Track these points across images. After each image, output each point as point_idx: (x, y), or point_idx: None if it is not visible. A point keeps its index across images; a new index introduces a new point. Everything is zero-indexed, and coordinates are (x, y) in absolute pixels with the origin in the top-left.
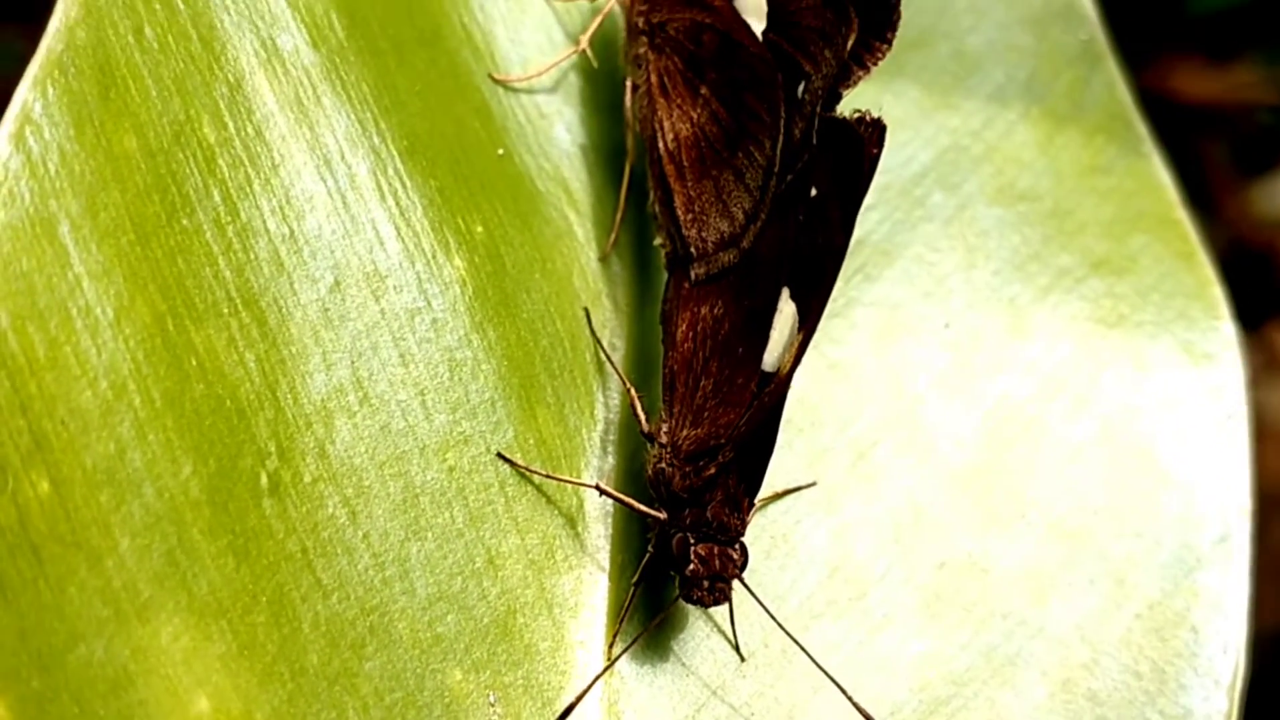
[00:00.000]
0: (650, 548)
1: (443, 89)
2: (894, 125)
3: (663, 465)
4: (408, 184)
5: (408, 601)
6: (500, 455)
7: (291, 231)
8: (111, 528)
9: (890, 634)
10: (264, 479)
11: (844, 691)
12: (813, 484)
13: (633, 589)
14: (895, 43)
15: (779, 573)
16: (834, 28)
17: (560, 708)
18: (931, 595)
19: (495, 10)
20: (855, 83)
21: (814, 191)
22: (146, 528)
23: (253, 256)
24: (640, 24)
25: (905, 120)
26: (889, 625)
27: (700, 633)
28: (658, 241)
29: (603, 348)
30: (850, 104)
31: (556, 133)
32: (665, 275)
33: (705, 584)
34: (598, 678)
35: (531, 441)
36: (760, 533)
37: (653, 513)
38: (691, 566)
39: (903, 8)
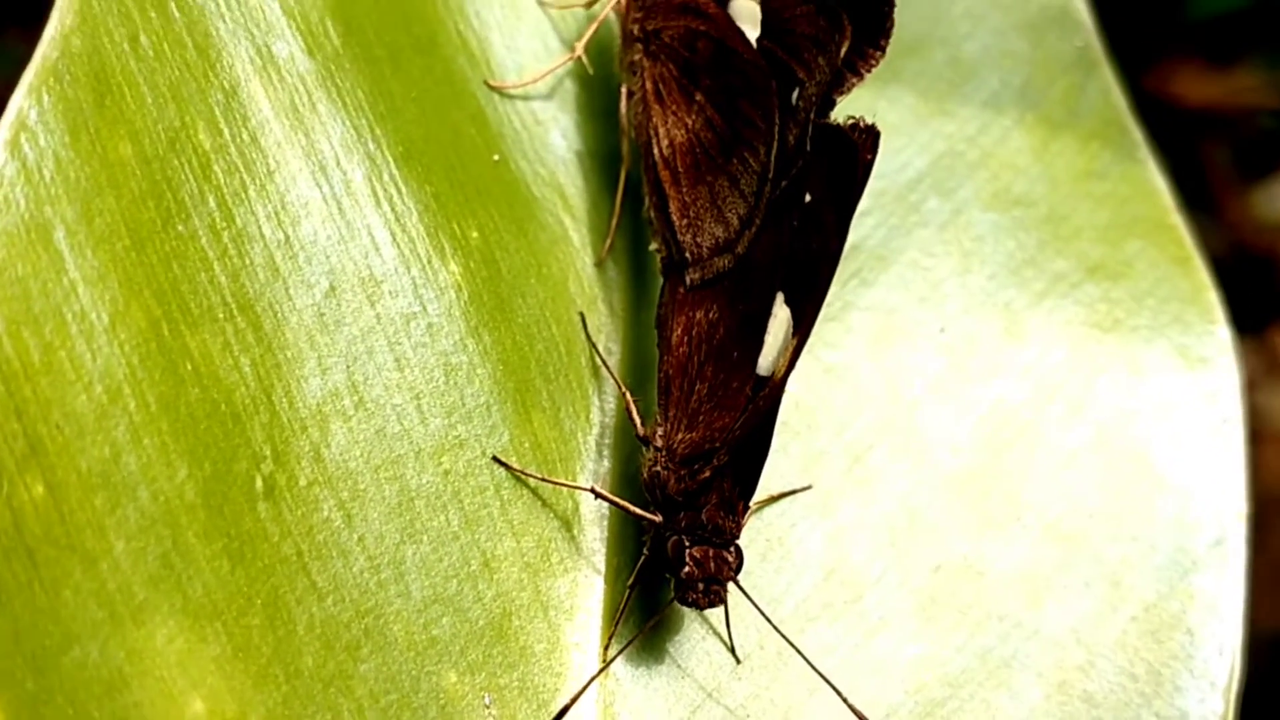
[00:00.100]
0: (645, 550)
1: (438, 95)
2: (889, 131)
3: (658, 469)
4: (403, 190)
5: (403, 604)
6: (496, 459)
7: (287, 237)
8: (106, 531)
9: (886, 637)
10: (259, 482)
11: (839, 694)
12: (808, 487)
13: (628, 591)
14: (890, 49)
15: (774, 575)
16: (828, 35)
17: (555, 709)
18: (927, 598)
19: (491, 17)
20: (849, 89)
21: (808, 197)
22: (141, 531)
23: (248, 262)
24: (635, 31)
25: (900, 126)
26: (884, 628)
27: (696, 635)
28: (653, 247)
29: (598, 352)
30: (846, 110)
31: (552, 139)
32: (660, 280)
33: (700, 587)
34: (593, 679)
35: (527, 445)
36: (756, 536)
37: (648, 516)
38: (687, 569)
39: (897, 14)
